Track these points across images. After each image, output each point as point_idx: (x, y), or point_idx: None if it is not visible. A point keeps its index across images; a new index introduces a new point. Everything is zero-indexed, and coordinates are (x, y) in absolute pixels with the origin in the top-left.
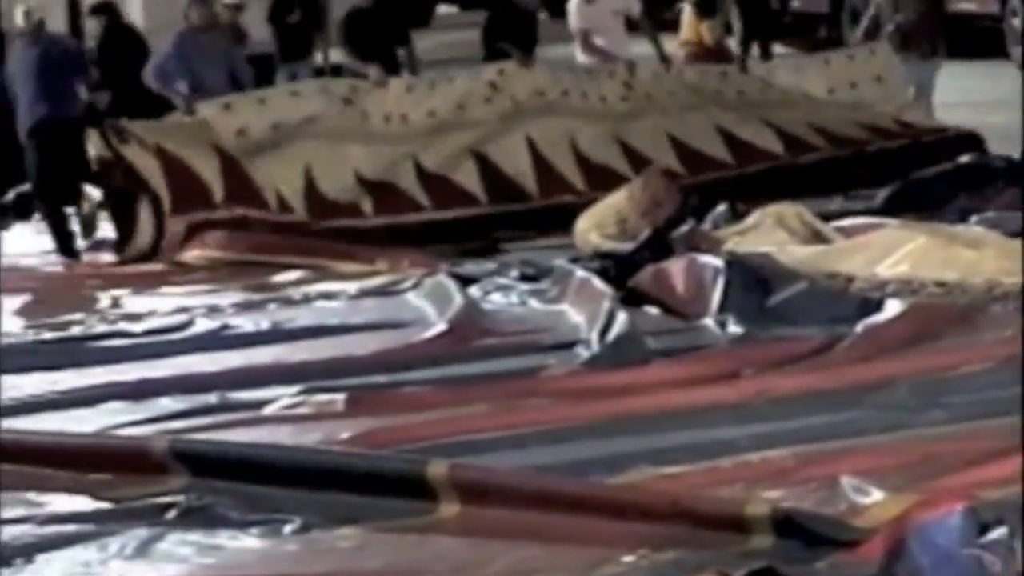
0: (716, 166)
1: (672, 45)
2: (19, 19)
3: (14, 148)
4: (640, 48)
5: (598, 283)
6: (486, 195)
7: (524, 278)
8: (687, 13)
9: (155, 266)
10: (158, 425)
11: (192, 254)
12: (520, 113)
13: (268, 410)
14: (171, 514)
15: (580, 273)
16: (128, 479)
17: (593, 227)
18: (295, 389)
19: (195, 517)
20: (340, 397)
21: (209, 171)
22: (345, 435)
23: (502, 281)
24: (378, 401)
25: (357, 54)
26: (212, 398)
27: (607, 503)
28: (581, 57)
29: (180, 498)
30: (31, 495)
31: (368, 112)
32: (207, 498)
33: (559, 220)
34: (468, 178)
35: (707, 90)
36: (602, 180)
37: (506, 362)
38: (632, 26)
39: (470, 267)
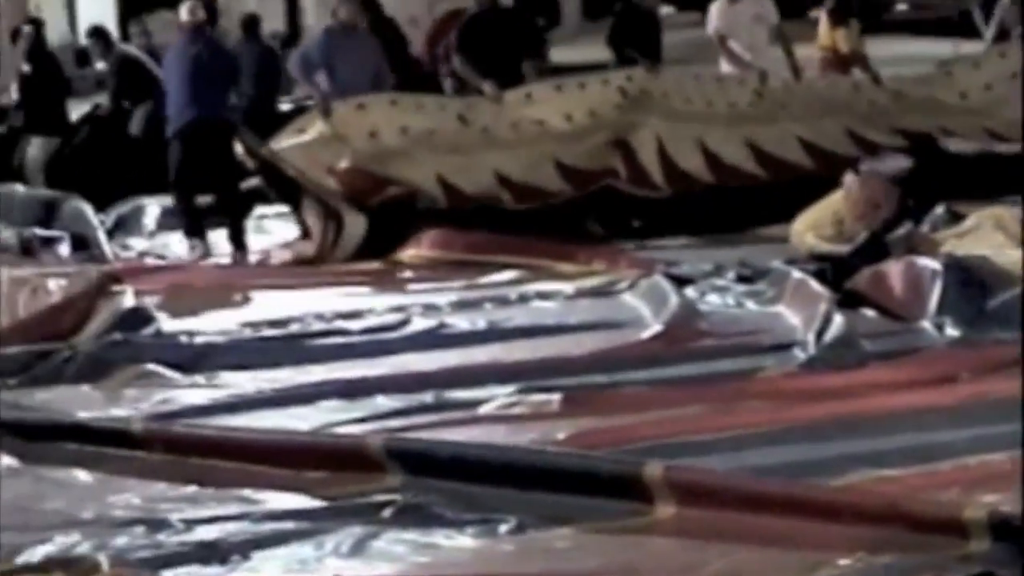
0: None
1: (810, 50)
2: (184, 14)
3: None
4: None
5: (815, 285)
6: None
7: (741, 279)
8: (823, 20)
9: (371, 265)
10: (374, 423)
11: (408, 253)
12: (648, 115)
13: (484, 409)
14: (386, 512)
15: (796, 275)
16: (344, 477)
17: (809, 228)
18: (511, 388)
19: (410, 516)
20: (556, 397)
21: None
22: (560, 435)
23: (718, 282)
24: (594, 401)
25: (474, 67)
26: (428, 397)
27: (823, 506)
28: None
29: (396, 496)
30: (248, 492)
31: (488, 127)
32: (422, 497)
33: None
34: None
35: (838, 100)
36: (732, 176)
37: (722, 363)
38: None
39: (686, 268)
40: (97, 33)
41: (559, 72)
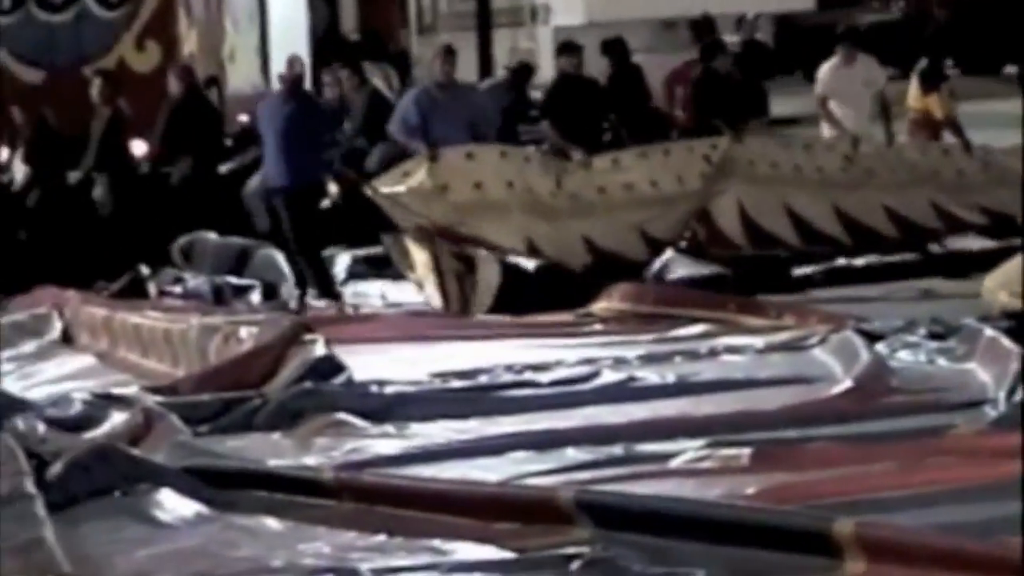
0: (932, 236)
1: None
2: (285, 68)
3: None
4: None
5: (1007, 342)
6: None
7: (932, 336)
8: (913, 82)
9: (561, 317)
10: (564, 475)
11: (599, 306)
12: (732, 181)
13: (674, 463)
14: (575, 565)
15: (989, 332)
16: (533, 529)
17: (1002, 285)
18: (700, 443)
19: (599, 568)
20: (745, 452)
21: None
22: (750, 490)
23: (910, 339)
24: (784, 457)
25: (561, 132)
26: (618, 450)
27: (1018, 565)
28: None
29: (585, 549)
30: (437, 542)
31: (577, 194)
32: (612, 550)
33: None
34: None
35: (926, 168)
36: (816, 239)
37: (912, 420)
38: None
39: (877, 324)
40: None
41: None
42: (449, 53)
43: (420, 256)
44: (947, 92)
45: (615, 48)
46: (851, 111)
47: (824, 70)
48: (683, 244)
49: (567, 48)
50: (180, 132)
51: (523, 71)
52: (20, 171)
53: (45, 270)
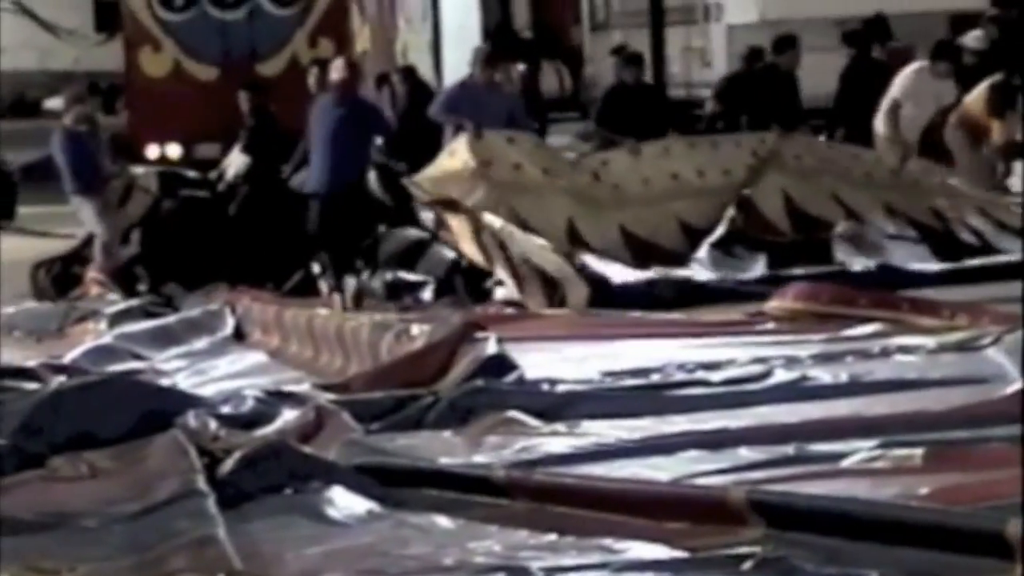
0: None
1: None
2: (332, 72)
3: None
4: None
5: None
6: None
7: None
8: (980, 91)
9: (732, 315)
10: (735, 475)
11: (772, 305)
12: (777, 173)
13: (846, 463)
14: (747, 565)
15: None
16: (704, 529)
17: None
18: (873, 443)
19: (771, 568)
20: (918, 452)
21: None
22: (923, 490)
23: None
24: (957, 457)
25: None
26: (790, 449)
27: None
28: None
29: (756, 549)
30: (609, 541)
31: (619, 185)
32: (783, 550)
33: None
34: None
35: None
36: None
37: None
38: None
39: None
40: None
41: None
42: (489, 61)
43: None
44: (1016, 117)
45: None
46: (917, 122)
47: (906, 74)
48: (722, 231)
49: (630, 59)
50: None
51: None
52: (236, 162)
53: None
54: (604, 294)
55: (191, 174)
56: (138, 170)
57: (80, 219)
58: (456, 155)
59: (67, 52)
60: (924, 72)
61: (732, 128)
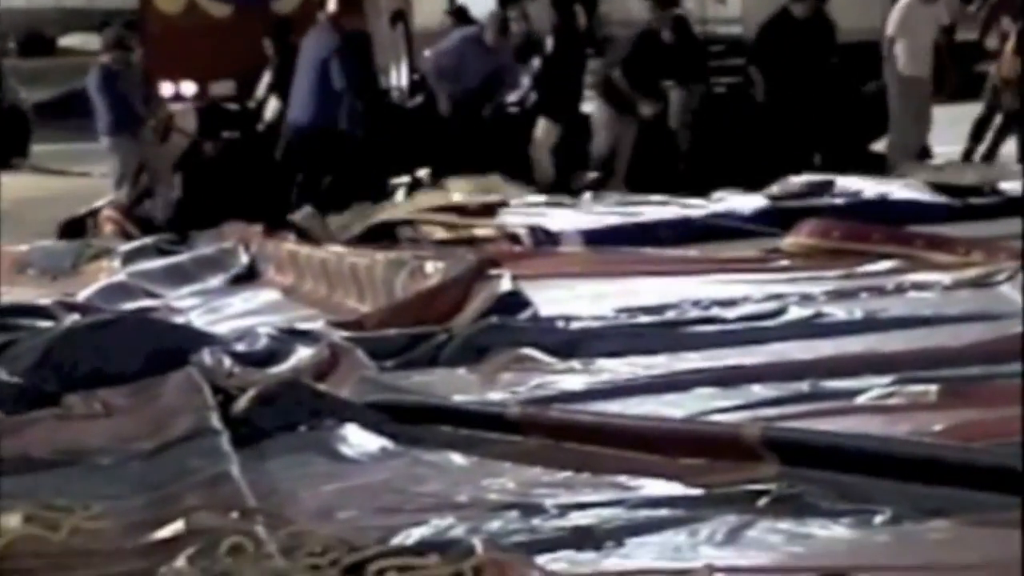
0: None
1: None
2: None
3: None
4: None
5: None
6: None
7: None
8: (1010, 43)
9: (747, 252)
10: (750, 412)
11: (787, 241)
12: None
13: (860, 400)
14: (762, 502)
15: None
16: (719, 465)
17: None
18: (887, 379)
19: (785, 505)
20: (933, 388)
21: None
22: (937, 427)
23: None
24: (971, 394)
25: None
26: (804, 386)
27: None
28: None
29: (771, 486)
30: (623, 479)
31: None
32: (798, 486)
33: None
34: None
35: None
36: None
37: None
38: None
39: None
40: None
41: None
42: (503, 21)
43: None
44: None
45: None
46: (919, 54)
47: (897, 8)
48: None
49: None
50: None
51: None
52: (271, 105)
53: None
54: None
55: (231, 107)
56: (176, 107)
57: (112, 158)
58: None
59: None
60: (913, 2)
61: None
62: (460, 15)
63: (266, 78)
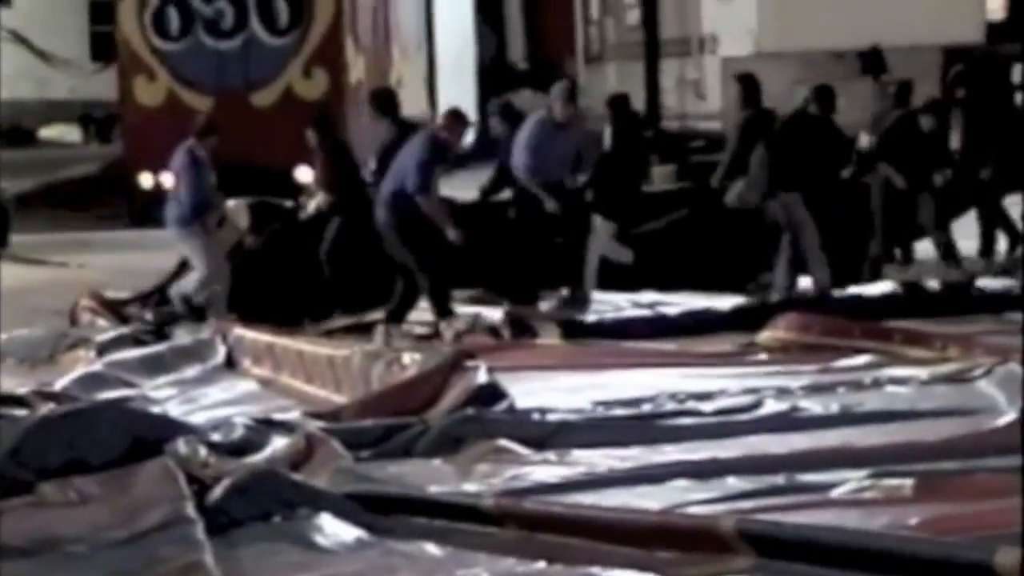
0: None
1: None
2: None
3: None
4: None
5: None
6: None
7: None
8: None
9: (725, 346)
10: (725, 504)
11: (764, 335)
12: None
13: (836, 493)
14: None
15: None
16: (694, 557)
17: None
18: (863, 473)
19: None
20: (909, 483)
21: None
22: (913, 520)
23: None
24: (947, 488)
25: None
26: (780, 479)
27: None
28: None
29: None
30: (597, 570)
31: None
32: None
33: None
34: None
35: None
36: None
37: None
38: None
39: None
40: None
41: None
42: (572, 94)
43: None
44: None
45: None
46: None
47: None
48: None
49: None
50: None
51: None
52: (316, 198)
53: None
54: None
55: (285, 204)
56: (229, 202)
57: (182, 249)
58: None
59: (63, 81)
60: None
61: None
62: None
63: (305, 170)
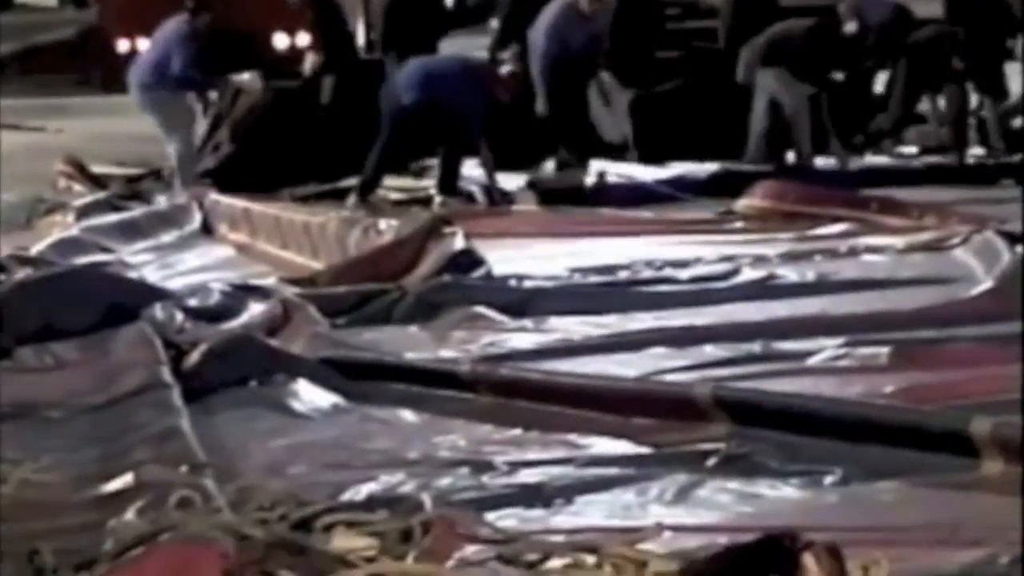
0: None
1: None
2: None
3: None
4: None
5: None
6: None
7: None
8: None
9: (703, 214)
10: (701, 372)
11: (741, 203)
12: None
13: (811, 361)
14: (711, 461)
15: None
16: (670, 425)
17: None
18: (839, 341)
19: (735, 465)
20: (884, 351)
21: None
22: (888, 389)
23: None
24: (922, 356)
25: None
26: (756, 347)
27: None
28: None
29: (721, 445)
30: (573, 437)
31: None
32: (748, 446)
33: None
34: None
35: None
36: None
37: None
38: None
39: (1019, 224)
40: None
41: None
42: None
43: None
44: None
45: None
46: None
47: None
48: None
49: None
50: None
51: None
52: (308, 60)
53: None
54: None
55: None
56: (243, 76)
57: (157, 118)
58: None
59: None
60: None
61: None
62: None
63: (282, 37)
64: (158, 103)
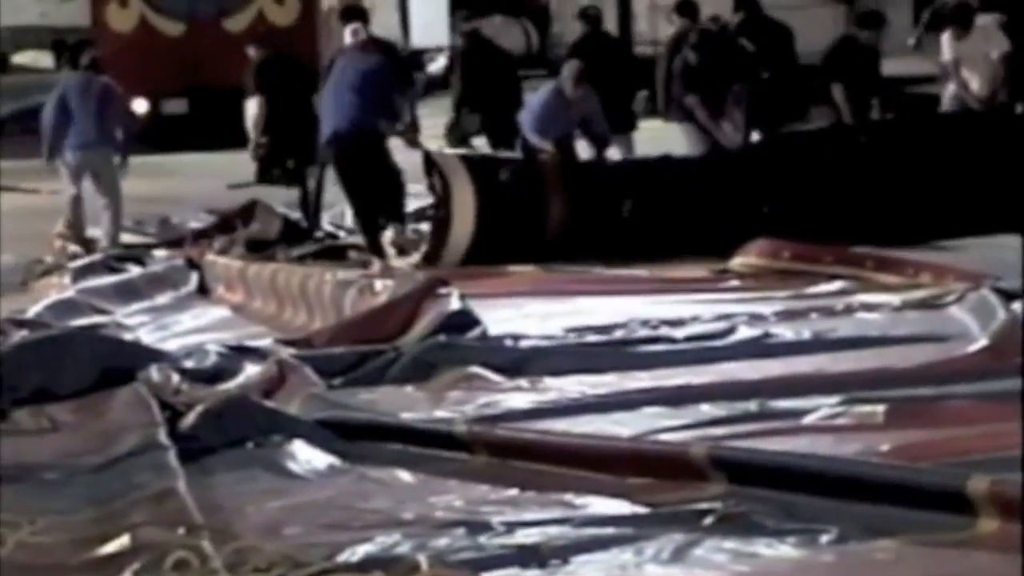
0: None
1: None
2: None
3: None
4: None
5: None
6: None
7: None
8: None
9: (697, 272)
10: (697, 431)
11: (736, 261)
12: None
13: (808, 420)
14: (708, 520)
15: None
16: (666, 484)
17: None
18: (835, 399)
19: (732, 524)
20: (880, 409)
21: None
22: (884, 447)
23: None
24: (919, 414)
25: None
26: (752, 406)
27: None
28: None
29: (717, 505)
30: (570, 496)
31: None
32: (744, 505)
33: None
34: None
35: None
36: None
37: None
38: None
39: (1015, 282)
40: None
41: None
42: (583, 73)
43: None
44: None
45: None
46: (977, 77)
47: (944, 40)
48: None
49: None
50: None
51: None
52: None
53: None
54: None
55: None
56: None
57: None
58: None
59: (33, 7)
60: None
61: None
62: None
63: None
64: (99, 160)
